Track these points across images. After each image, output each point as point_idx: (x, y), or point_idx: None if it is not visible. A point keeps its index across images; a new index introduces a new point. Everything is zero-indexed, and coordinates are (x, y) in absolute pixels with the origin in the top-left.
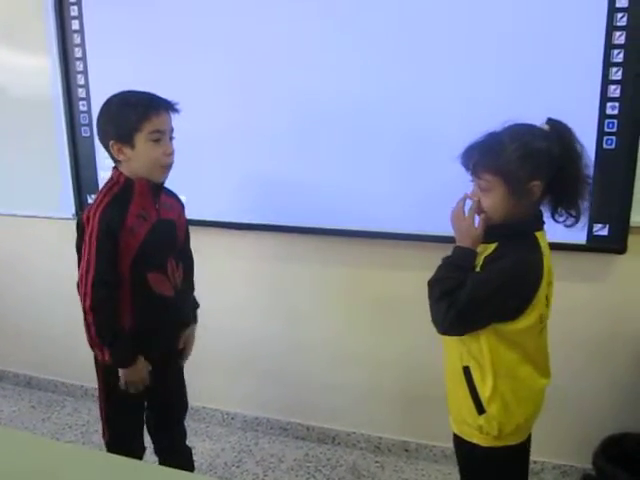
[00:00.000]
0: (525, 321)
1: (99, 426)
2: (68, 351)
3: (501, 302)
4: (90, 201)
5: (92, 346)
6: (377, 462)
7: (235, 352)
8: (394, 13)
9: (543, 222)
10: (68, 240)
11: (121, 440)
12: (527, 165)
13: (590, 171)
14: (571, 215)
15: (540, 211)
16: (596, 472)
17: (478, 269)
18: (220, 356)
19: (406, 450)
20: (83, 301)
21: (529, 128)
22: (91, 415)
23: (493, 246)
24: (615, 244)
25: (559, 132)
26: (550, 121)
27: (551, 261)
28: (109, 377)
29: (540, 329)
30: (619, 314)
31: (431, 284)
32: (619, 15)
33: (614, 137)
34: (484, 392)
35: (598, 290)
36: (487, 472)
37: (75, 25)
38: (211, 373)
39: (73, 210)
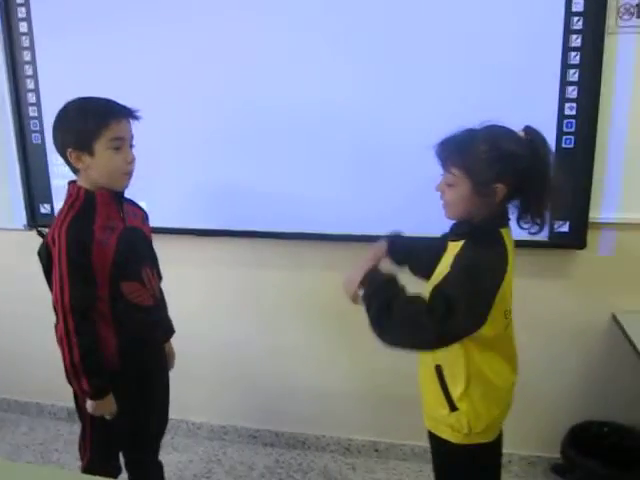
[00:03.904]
0: (491, 316)
1: (59, 445)
2: (20, 368)
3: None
4: (43, 210)
5: (71, 373)
6: (348, 464)
7: (198, 360)
8: (353, 21)
9: (508, 219)
10: (19, 252)
11: (101, 461)
12: (494, 167)
13: (561, 187)
14: (536, 223)
15: (506, 209)
16: (564, 461)
17: (449, 268)
18: (183, 365)
19: (376, 450)
20: (62, 325)
21: (505, 131)
22: (48, 433)
23: (460, 244)
24: (575, 240)
25: (533, 141)
26: (527, 129)
27: (515, 258)
28: None
29: (506, 325)
30: (581, 307)
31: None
32: (575, 19)
33: (572, 137)
34: (455, 391)
35: (560, 285)
36: (458, 468)
37: (23, 27)
38: (174, 382)
39: (25, 221)
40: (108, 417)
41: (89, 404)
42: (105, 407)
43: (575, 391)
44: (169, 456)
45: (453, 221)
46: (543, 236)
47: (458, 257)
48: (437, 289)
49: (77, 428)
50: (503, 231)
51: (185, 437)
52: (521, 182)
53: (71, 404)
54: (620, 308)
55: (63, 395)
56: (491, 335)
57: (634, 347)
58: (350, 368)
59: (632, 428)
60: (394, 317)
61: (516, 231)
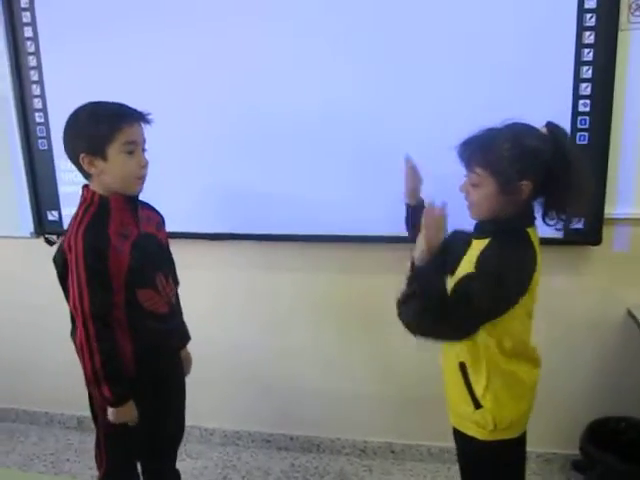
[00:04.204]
0: (517, 312)
1: (70, 454)
2: (28, 377)
3: (497, 297)
4: (50, 218)
5: (92, 380)
6: (364, 466)
7: (210, 364)
8: (354, 23)
9: (534, 218)
10: (26, 260)
11: (119, 471)
12: (518, 164)
13: (586, 182)
14: (561, 219)
15: (532, 207)
16: (584, 457)
17: (472, 267)
18: (194, 369)
19: (392, 452)
20: (82, 331)
21: (527, 128)
22: (59, 443)
23: (486, 241)
24: (591, 236)
25: (556, 137)
26: (549, 124)
27: (541, 257)
28: None
29: (528, 323)
30: (596, 303)
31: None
32: (588, 16)
33: (587, 133)
34: (478, 388)
35: (576, 281)
36: (484, 464)
37: (28, 32)
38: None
39: (32, 228)
40: (131, 424)
41: (110, 412)
42: (126, 414)
43: (591, 387)
44: (183, 463)
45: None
46: (558, 233)
47: (484, 256)
48: (462, 288)
49: (87, 437)
50: (529, 230)
51: (198, 443)
52: (546, 178)
53: (80, 412)
54: (635, 303)
55: (72, 404)
56: (513, 332)
57: None
58: (364, 370)
59: None
60: (427, 308)
61: None
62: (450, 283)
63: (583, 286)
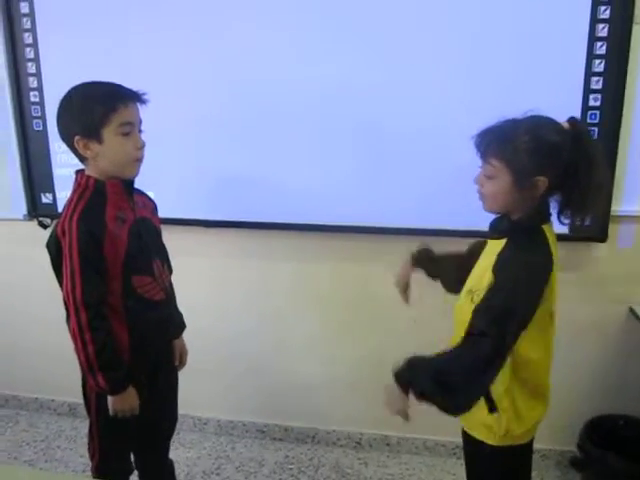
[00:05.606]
0: (537, 317)
1: (61, 441)
2: (17, 362)
3: (524, 305)
4: (45, 200)
5: (87, 369)
6: (360, 459)
7: (205, 354)
8: (364, 6)
9: (550, 214)
10: (18, 243)
11: (111, 461)
12: (536, 159)
13: (606, 181)
14: (577, 218)
15: (547, 203)
16: (581, 454)
17: (491, 269)
18: (189, 359)
19: (387, 444)
20: (75, 320)
21: (548, 122)
22: (49, 429)
23: (503, 242)
24: (597, 233)
25: (577, 133)
26: (571, 119)
27: (558, 253)
28: (103, 397)
29: (550, 325)
30: (599, 300)
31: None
32: (602, 8)
33: (596, 128)
34: (497, 390)
35: (579, 277)
36: (491, 469)
37: (24, 8)
38: (180, 377)
39: (25, 210)
40: (134, 413)
41: (110, 403)
42: (126, 402)
43: (591, 384)
44: (176, 452)
45: (466, 215)
46: (564, 229)
47: (501, 262)
48: (485, 315)
49: (79, 424)
50: (545, 227)
51: (192, 433)
52: (563, 175)
53: (72, 399)
54: (637, 301)
55: (63, 389)
56: (536, 335)
57: None
58: (360, 361)
59: None
60: (455, 382)
61: None
62: (468, 284)
63: (586, 283)
